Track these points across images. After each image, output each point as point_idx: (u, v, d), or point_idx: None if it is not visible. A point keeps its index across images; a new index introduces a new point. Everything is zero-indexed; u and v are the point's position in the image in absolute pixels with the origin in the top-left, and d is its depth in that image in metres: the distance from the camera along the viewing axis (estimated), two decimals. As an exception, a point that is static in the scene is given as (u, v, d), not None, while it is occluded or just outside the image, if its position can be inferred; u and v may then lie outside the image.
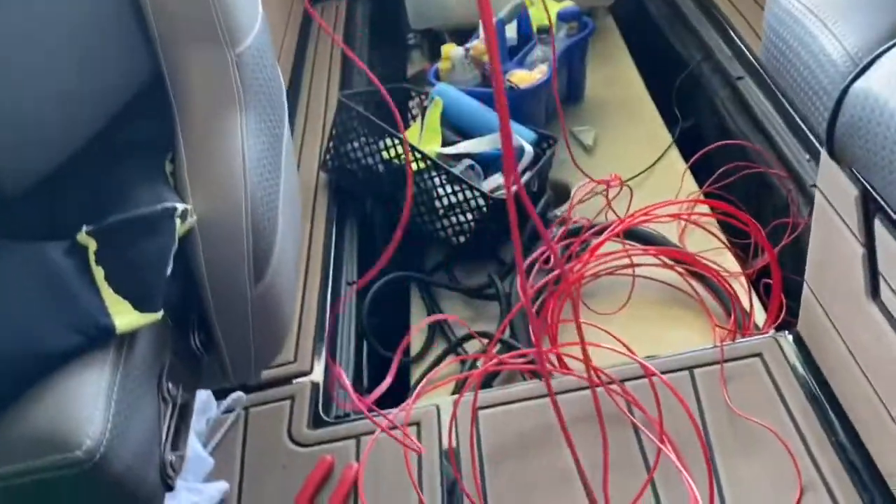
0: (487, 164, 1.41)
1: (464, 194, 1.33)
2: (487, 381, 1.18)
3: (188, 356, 0.80)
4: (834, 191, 0.82)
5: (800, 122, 1.32)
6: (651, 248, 1.29)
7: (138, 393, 0.69)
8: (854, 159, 0.74)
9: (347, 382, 1.07)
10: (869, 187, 0.74)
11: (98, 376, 0.66)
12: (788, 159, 1.31)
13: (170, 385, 0.74)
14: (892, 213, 0.71)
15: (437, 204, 1.36)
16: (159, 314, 0.69)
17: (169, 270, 0.71)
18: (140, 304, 0.68)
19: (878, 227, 0.74)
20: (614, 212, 1.42)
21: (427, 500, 0.94)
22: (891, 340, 0.76)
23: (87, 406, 0.64)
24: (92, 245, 0.69)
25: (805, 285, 0.95)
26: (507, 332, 1.23)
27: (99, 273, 0.69)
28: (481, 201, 1.32)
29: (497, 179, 1.37)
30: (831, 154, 0.79)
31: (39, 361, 0.64)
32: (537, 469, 0.96)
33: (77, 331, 0.66)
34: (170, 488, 0.73)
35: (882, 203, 0.72)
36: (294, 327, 1.25)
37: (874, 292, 0.78)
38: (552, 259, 1.26)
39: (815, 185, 1.21)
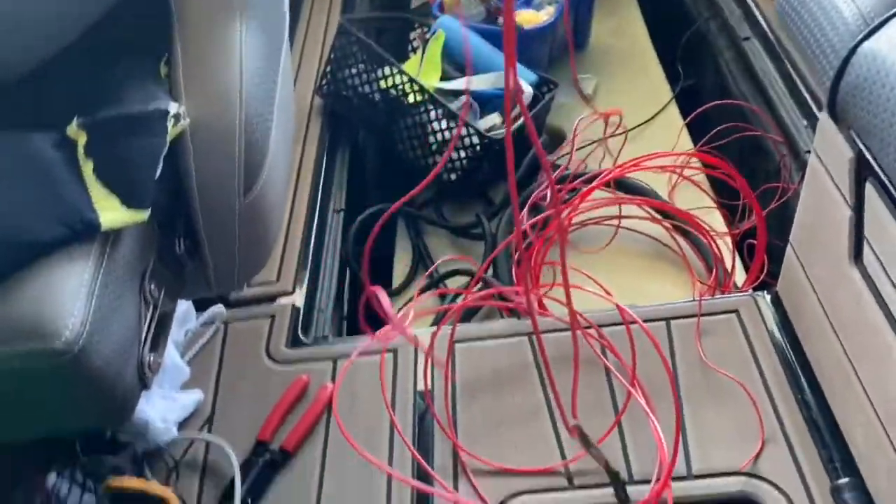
0: (484, 102, 1.39)
1: (459, 131, 1.32)
2: (466, 318, 1.19)
3: (172, 262, 0.80)
4: (829, 152, 0.82)
5: (801, 87, 1.31)
6: (639, 198, 1.29)
7: (120, 291, 0.69)
8: (854, 120, 0.74)
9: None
10: (864, 150, 0.74)
11: (81, 271, 0.65)
12: (786, 124, 1.31)
13: (152, 287, 0.74)
14: (884, 178, 0.72)
15: (431, 139, 1.35)
16: (146, 214, 0.68)
17: (158, 171, 0.70)
18: (127, 202, 0.67)
19: (869, 190, 0.74)
20: (609, 152, 1.40)
21: (399, 423, 0.96)
22: (867, 304, 0.77)
23: (69, 299, 0.64)
24: (81, 138, 0.68)
25: (789, 246, 0.96)
26: (491, 272, 1.24)
27: (87, 167, 0.68)
28: (476, 139, 1.31)
29: (493, 119, 1.36)
30: (832, 114, 0.79)
31: (22, 250, 0.64)
32: (508, 404, 0.98)
33: (61, 223, 0.65)
34: (146, 387, 0.73)
35: (875, 167, 0.73)
36: (279, 249, 1.25)
37: (857, 256, 0.79)
38: (548, 198, 1.26)
39: (809, 151, 1.22)
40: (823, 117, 0.82)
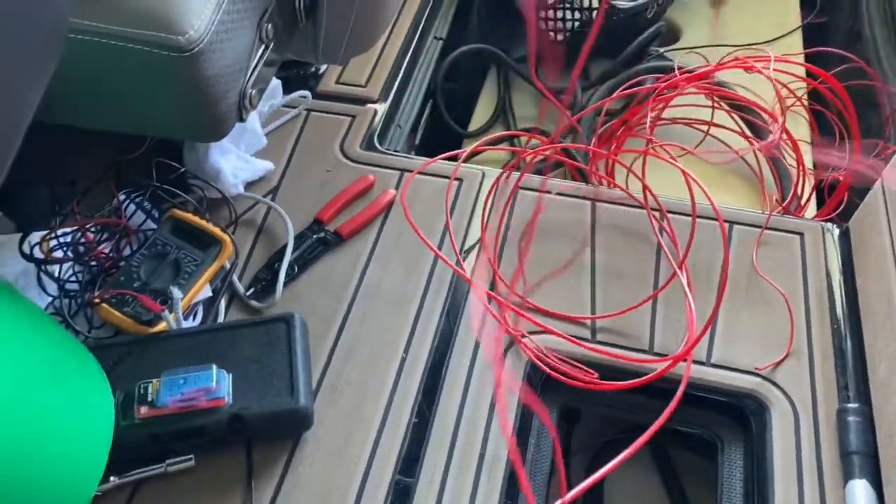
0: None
1: (579, -11, 1.29)
2: (538, 172, 1.21)
3: (289, 14, 0.82)
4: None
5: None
6: (730, 94, 1.26)
7: (242, 15, 0.71)
8: None
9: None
10: None
11: (213, -18, 0.68)
12: (908, 76, 1.26)
13: (268, 27, 0.77)
14: None
15: (550, -9, 1.32)
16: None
17: None
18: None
19: None
20: (704, 57, 1.35)
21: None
22: (941, 243, 0.77)
23: (199, 4, 0.66)
24: None
25: (879, 181, 0.95)
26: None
27: None
28: (595, 2, 1.28)
29: (619, -10, 1.32)
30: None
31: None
32: (555, 255, 1.01)
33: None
34: (241, 118, 0.77)
35: None
36: (373, 57, 1.26)
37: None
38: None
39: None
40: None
